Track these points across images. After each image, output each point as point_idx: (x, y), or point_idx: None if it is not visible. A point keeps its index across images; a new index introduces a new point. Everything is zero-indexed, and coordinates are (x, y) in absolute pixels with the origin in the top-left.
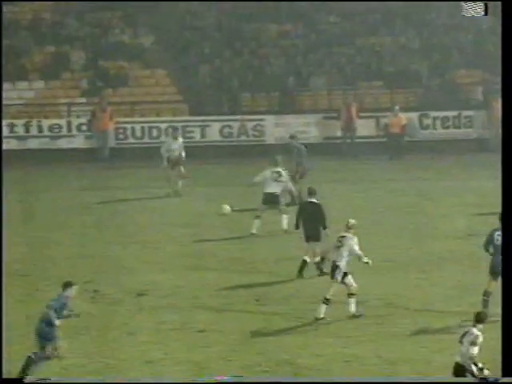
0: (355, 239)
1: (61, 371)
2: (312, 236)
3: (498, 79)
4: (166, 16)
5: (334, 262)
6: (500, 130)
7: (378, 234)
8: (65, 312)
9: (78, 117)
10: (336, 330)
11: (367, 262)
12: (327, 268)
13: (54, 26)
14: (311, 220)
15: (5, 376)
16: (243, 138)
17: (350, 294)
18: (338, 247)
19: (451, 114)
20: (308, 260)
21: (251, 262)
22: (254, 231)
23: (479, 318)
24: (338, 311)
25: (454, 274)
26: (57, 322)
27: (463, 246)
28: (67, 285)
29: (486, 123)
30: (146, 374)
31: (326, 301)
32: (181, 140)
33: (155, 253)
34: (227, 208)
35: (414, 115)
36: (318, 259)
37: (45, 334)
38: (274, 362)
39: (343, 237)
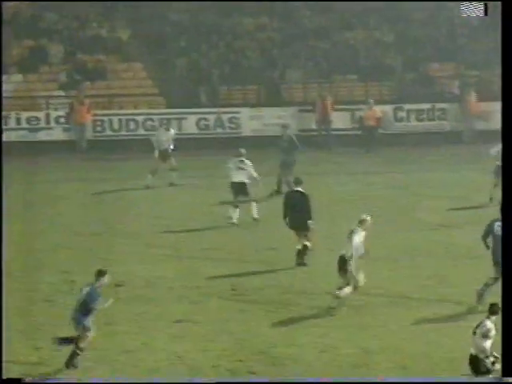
0: (361, 233)
1: (38, 360)
2: (299, 225)
3: (472, 73)
4: (142, 10)
5: (342, 255)
6: (473, 123)
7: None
8: (99, 300)
9: (56, 109)
10: (312, 319)
11: (349, 260)
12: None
13: (32, 20)
14: (297, 209)
15: (5, 376)
16: (219, 130)
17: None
18: (347, 240)
19: (425, 106)
20: (309, 245)
21: (228, 252)
22: (233, 221)
23: (493, 310)
24: (315, 301)
25: (429, 264)
26: (97, 306)
27: (439, 236)
28: (101, 273)
29: (460, 116)
30: (124, 364)
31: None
32: (172, 132)
33: (133, 243)
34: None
35: (389, 108)
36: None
37: (79, 321)
38: (250, 351)
39: (352, 231)
